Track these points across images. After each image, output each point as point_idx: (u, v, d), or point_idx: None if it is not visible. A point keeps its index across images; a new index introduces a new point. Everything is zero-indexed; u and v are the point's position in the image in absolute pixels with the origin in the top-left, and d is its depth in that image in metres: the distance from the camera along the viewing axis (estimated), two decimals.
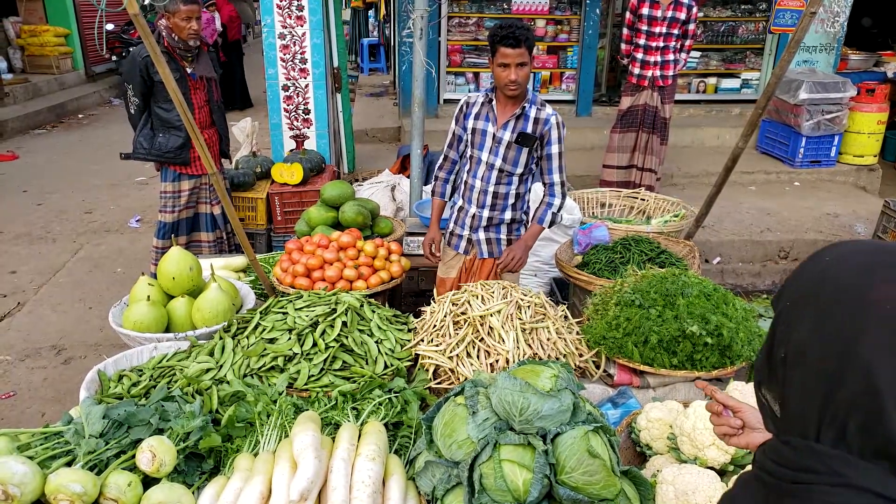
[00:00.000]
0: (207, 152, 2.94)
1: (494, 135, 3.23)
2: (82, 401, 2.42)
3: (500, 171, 3.27)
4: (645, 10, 5.81)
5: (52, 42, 11.80)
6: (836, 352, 0.84)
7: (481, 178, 3.31)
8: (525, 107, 3.17)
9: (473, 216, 3.39)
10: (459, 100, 3.55)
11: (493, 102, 3.23)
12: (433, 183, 3.54)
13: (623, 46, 6.18)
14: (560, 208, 3.32)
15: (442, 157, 3.48)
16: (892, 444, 0.79)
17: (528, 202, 3.50)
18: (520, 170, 3.27)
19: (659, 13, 5.76)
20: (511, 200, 3.36)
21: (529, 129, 3.19)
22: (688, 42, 5.95)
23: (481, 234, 3.42)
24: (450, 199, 3.57)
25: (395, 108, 9.42)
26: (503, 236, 3.43)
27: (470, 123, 3.29)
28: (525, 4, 8.12)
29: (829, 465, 0.83)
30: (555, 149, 3.24)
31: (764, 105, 3.01)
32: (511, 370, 2.27)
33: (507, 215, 3.38)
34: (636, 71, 6.04)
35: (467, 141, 3.34)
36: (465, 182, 3.40)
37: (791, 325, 0.91)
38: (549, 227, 3.36)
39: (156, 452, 2.08)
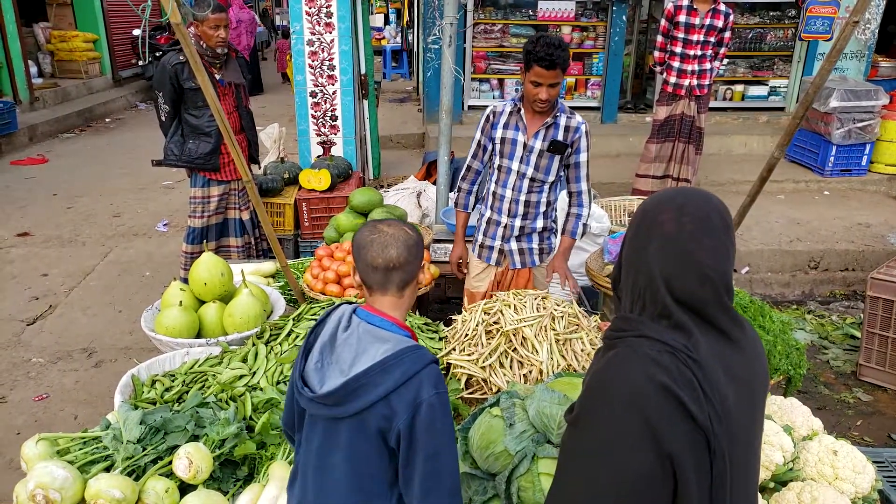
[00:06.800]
0: (243, 159, 2.95)
1: (525, 144, 3.20)
2: (118, 406, 2.44)
3: (532, 179, 3.25)
4: (682, 18, 5.71)
5: (80, 47, 11.97)
6: (638, 255, 1.35)
7: (512, 188, 3.29)
8: (557, 115, 3.16)
9: (505, 226, 3.37)
10: (483, 106, 3.52)
11: (522, 112, 3.20)
12: (457, 194, 3.50)
13: (657, 54, 6.09)
14: (588, 217, 3.33)
15: (465, 167, 3.44)
16: (666, 309, 1.30)
17: (557, 210, 3.48)
18: (551, 177, 3.26)
19: (697, 20, 5.67)
20: (542, 209, 3.34)
21: (560, 137, 3.18)
22: (722, 50, 5.87)
23: (513, 245, 3.39)
24: (473, 210, 3.54)
25: (419, 114, 9.44)
26: (535, 245, 3.41)
27: (498, 133, 3.26)
28: (551, 11, 8.10)
29: (633, 325, 1.33)
30: (583, 157, 3.24)
31: (802, 115, 2.96)
32: (548, 382, 2.25)
33: (539, 224, 3.36)
34: (672, 80, 5.95)
35: (493, 151, 3.31)
36: (494, 193, 3.37)
37: (626, 244, 1.42)
38: (581, 238, 3.36)
39: (192, 459, 2.09)
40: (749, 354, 1.38)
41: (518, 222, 3.33)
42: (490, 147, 3.32)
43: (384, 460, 1.56)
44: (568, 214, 3.35)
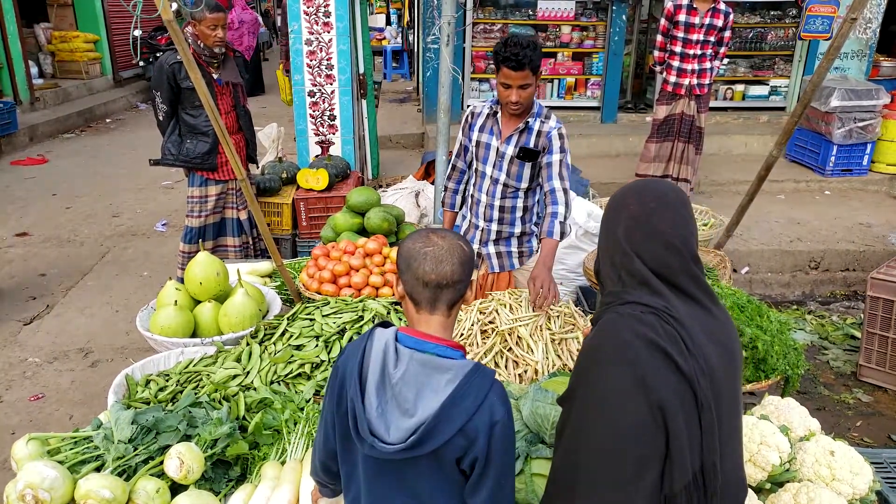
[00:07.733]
0: (237, 157, 2.93)
1: (498, 149, 3.12)
2: (111, 406, 2.42)
3: (505, 185, 3.16)
4: (682, 17, 5.70)
5: (81, 48, 11.98)
6: (611, 235, 1.53)
7: (486, 193, 3.22)
8: (529, 121, 3.04)
9: (482, 230, 3.30)
10: None
11: (498, 115, 3.11)
12: (443, 194, 3.43)
13: (657, 54, 6.07)
14: (565, 217, 3.04)
15: (450, 167, 3.38)
16: (643, 277, 1.46)
17: (538, 214, 3.34)
18: (524, 184, 3.16)
19: (696, 20, 5.66)
20: (519, 213, 3.25)
21: (532, 144, 3.06)
22: (722, 49, 5.85)
23: (491, 248, 3.33)
24: (459, 209, 3.48)
25: (419, 115, 9.43)
26: (514, 249, 3.33)
27: (475, 136, 3.19)
28: (550, 11, 8.08)
29: (618, 294, 1.48)
30: (555, 157, 3.04)
31: (800, 113, 2.95)
32: (542, 382, 2.23)
33: (517, 229, 3.28)
34: (672, 79, 5.93)
35: (472, 153, 3.25)
36: (472, 196, 3.31)
37: (601, 233, 1.59)
38: (562, 238, 3.05)
39: (184, 459, 2.07)
40: (724, 322, 1.52)
41: (494, 227, 3.27)
42: (470, 148, 3.26)
43: (458, 480, 1.50)
44: (544, 215, 3.09)
